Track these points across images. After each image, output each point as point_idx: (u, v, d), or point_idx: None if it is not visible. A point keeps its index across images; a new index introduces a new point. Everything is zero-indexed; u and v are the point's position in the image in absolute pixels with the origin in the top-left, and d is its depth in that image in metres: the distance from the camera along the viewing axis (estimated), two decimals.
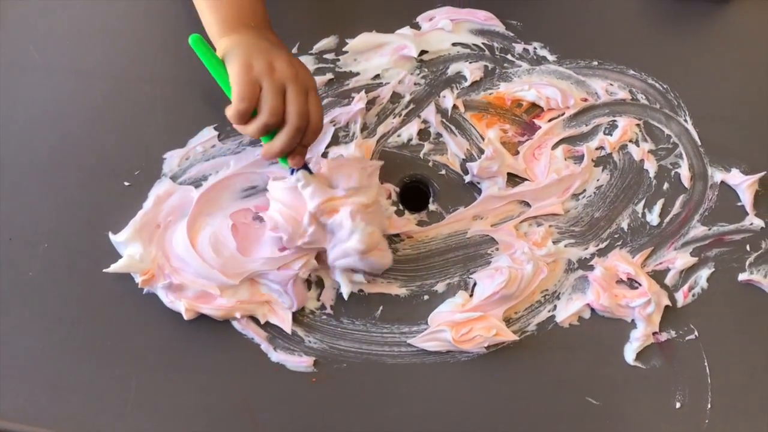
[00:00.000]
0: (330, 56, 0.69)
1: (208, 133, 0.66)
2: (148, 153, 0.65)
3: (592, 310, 0.64)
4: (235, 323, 0.62)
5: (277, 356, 0.61)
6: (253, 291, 0.62)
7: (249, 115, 0.56)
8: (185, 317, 0.60)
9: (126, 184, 0.64)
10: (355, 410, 0.61)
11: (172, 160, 0.65)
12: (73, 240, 0.63)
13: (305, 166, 0.60)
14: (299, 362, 0.61)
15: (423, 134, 0.68)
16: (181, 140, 0.65)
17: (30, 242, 0.63)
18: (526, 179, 0.67)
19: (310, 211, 0.59)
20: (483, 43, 0.70)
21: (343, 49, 0.69)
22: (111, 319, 0.61)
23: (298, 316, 0.62)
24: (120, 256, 0.61)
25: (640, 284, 0.64)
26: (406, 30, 0.70)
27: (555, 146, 0.68)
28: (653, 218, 0.67)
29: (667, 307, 0.64)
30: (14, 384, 0.60)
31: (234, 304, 0.60)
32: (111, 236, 0.61)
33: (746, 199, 0.67)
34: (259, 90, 0.56)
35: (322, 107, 0.59)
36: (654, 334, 0.64)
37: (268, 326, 0.62)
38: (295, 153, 0.58)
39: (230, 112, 0.56)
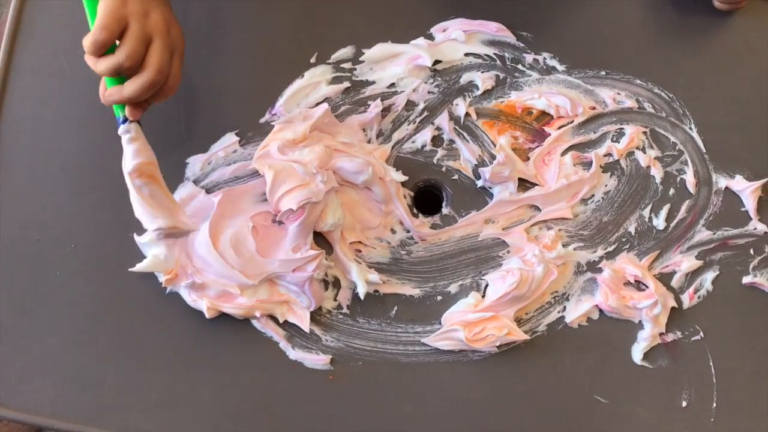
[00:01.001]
0: (347, 65, 0.70)
1: (230, 138, 0.67)
2: (172, 157, 0.66)
3: (601, 311, 0.65)
4: (254, 322, 0.63)
5: (295, 354, 0.63)
6: (272, 291, 0.63)
7: (105, 48, 0.53)
8: (207, 315, 0.61)
9: None
10: (371, 407, 0.62)
11: (195, 164, 0.66)
12: (99, 241, 0.64)
13: (138, 121, 0.57)
14: (317, 360, 0.63)
15: (436, 140, 0.69)
16: (204, 145, 0.67)
17: (58, 243, 0.64)
18: (537, 184, 0.68)
19: (128, 171, 0.57)
20: (495, 54, 0.71)
21: (360, 59, 0.70)
22: (135, 318, 0.63)
23: (315, 315, 0.63)
24: (144, 257, 0.63)
25: (647, 286, 0.65)
26: (421, 40, 0.70)
27: (564, 153, 0.69)
28: (659, 223, 0.68)
29: (673, 308, 0.65)
30: (42, 380, 0.61)
31: (254, 303, 0.62)
32: (136, 237, 0.63)
33: (750, 204, 0.68)
34: (123, 27, 0.53)
35: (180, 73, 0.56)
36: (661, 334, 0.65)
37: (286, 325, 0.63)
38: (138, 105, 0.56)
39: (87, 40, 0.53)
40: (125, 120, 0.57)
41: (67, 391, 0.61)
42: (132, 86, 0.54)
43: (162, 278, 0.62)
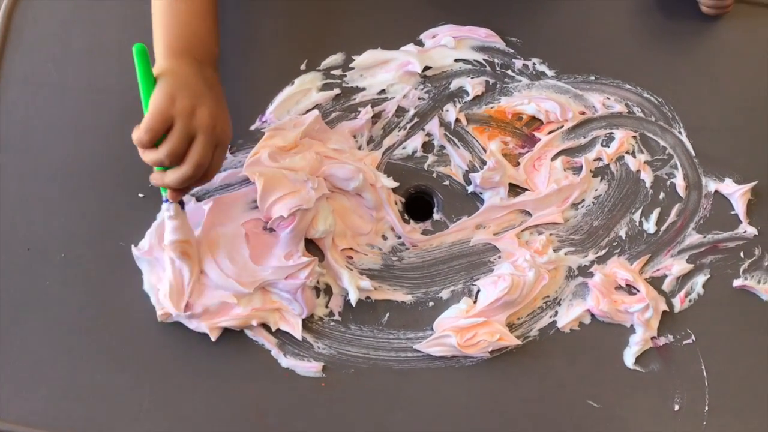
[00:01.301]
0: (337, 72, 0.70)
1: None
2: None
3: (592, 315, 0.65)
4: (246, 330, 0.63)
5: (287, 362, 0.62)
6: (265, 299, 0.63)
7: (149, 145, 0.55)
8: (212, 338, 0.61)
9: (141, 195, 0.65)
10: (364, 414, 0.62)
11: None
12: (89, 250, 0.64)
13: (180, 202, 0.60)
14: (309, 367, 0.62)
15: (427, 146, 0.69)
16: None
17: (47, 252, 0.64)
18: (527, 189, 0.68)
19: (166, 244, 0.60)
20: (484, 59, 0.71)
21: (350, 66, 0.70)
22: (126, 327, 0.62)
23: (307, 323, 0.63)
24: (136, 267, 0.63)
25: (638, 290, 0.66)
26: (411, 47, 0.71)
27: (554, 158, 0.69)
28: (650, 227, 0.68)
29: (664, 312, 0.65)
30: (32, 390, 0.61)
31: (250, 312, 0.62)
32: (133, 249, 0.63)
33: (739, 207, 0.69)
34: (169, 127, 0.55)
35: (221, 164, 0.59)
36: (652, 338, 0.65)
37: (278, 333, 0.63)
38: (179, 190, 0.58)
39: (135, 135, 0.56)
40: (166, 200, 0.60)
41: (57, 401, 0.61)
42: (172, 176, 0.57)
43: (158, 312, 0.62)
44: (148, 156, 0.56)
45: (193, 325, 0.62)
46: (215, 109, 0.58)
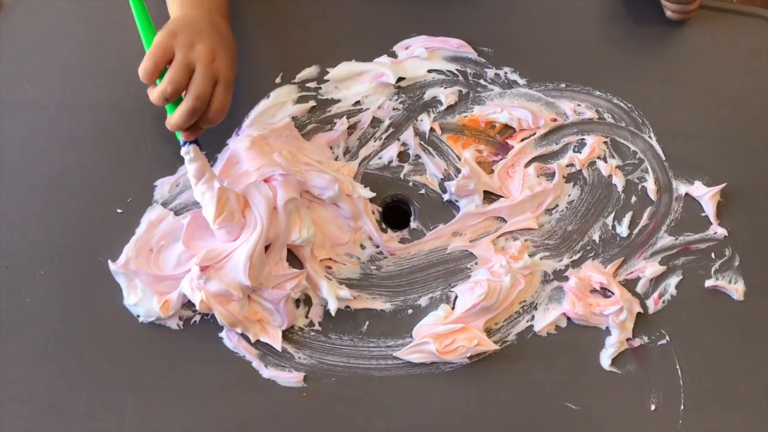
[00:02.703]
0: (312, 85, 0.71)
1: None
2: (140, 181, 0.66)
3: (568, 318, 0.66)
4: (226, 341, 0.63)
5: (268, 373, 0.63)
6: (250, 309, 0.63)
7: (154, 75, 0.58)
8: (198, 308, 0.61)
9: (119, 211, 0.66)
10: (346, 423, 0.62)
11: (163, 187, 0.67)
12: (68, 267, 0.64)
13: (196, 141, 0.61)
14: (290, 378, 0.63)
15: (403, 156, 0.70)
16: (171, 168, 0.67)
17: (26, 270, 0.64)
18: (502, 196, 0.69)
19: (193, 186, 0.61)
20: (457, 69, 0.72)
21: (325, 78, 0.71)
22: (105, 342, 0.63)
23: (287, 333, 0.64)
24: (115, 282, 0.63)
25: (612, 293, 0.66)
26: (384, 58, 0.72)
27: (528, 164, 0.70)
28: (623, 230, 0.69)
29: (639, 314, 0.66)
30: (13, 408, 0.61)
31: (241, 317, 0.62)
32: (110, 264, 0.63)
33: (709, 209, 0.70)
34: (170, 57, 0.58)
35: (228, 99, 0.61)
36: (627, 340, 0.66)
37: (258, 344, 0.63)
38: (191, 129, 0.60)
39: (140, 68, 0.58)
40: (185, 142, 0.60)
41: (39, 418, 0.61)
42: (176, 113, 0.59)
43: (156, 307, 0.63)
44: (153, 92, 0.59)
45: (190, 286, 0.61)
46: (216, 46, 0.60)
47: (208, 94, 0.59)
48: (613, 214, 0.70)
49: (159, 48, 0.58)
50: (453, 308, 0.65)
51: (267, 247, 0.63)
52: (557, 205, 0.70)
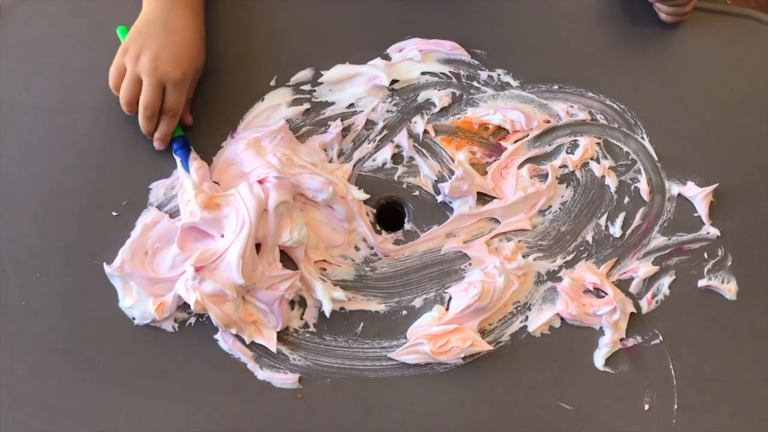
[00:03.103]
0: (306, 87, 0.71)
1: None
2: (135, 184, 0.67)
3: (562, 319, 0.66)
4: (221, 343, 0.63)
5: (263, 374, 0.63)
6: (244, 310, 0.63)
7: (117, 91, 0.64)
8: (193, 309, 0.61)
9: (114, 214, 0.66)
10: (340, 424, 0.63)
11: (158, 189, 0.67)
12: (64, 270, 0.64)
13: (185, 140, 0.67)
14: (285, 379, 0.63)
15: (396, 158, 0.70)
16: (166, 171, 0.67)
17: (23, 273, 0.64)
18: (495, 197, 0.69)
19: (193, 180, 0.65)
20: (450, 72, 0.72)
21: (319, 81, 0.71)
22: (101, 345, 0.63)
23: (282, 335, 0.64)
24: (110, 285, 0.64)
25: (606, 293, 0.67)
26: (378, 61, 0.72)
27: (521, 166, 0.70)
28: (616, 230, 0.69)
29: (632, 314, 0.66)
30: (9, 411, 0.61)
31: (236, 318, 0.62)
32: (105, 267, 0.63)
33: (702, 209, 0.70)
34: (123, 76, 0.64)
35: (176, 99, 0.65)
36: (621, 340, 0.66)
37: (253, 345, 0.63)
38: (156, 138, 0.66)
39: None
40: (174, 147, 0.67)
41: (35, 421, 0.61)
42: (140, 124, 0.65)
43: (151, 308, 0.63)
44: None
45: (185, 287, 0.61)
46: (160, 49, 0.64)
47: (154, 101, 0.64)
48: (606, 215, 0.70)
49: (114, 68, 0.64)
50: (447, 309, 0.66)
51: (258, 247, 0.63)
52: (550, 206, 0.70)
